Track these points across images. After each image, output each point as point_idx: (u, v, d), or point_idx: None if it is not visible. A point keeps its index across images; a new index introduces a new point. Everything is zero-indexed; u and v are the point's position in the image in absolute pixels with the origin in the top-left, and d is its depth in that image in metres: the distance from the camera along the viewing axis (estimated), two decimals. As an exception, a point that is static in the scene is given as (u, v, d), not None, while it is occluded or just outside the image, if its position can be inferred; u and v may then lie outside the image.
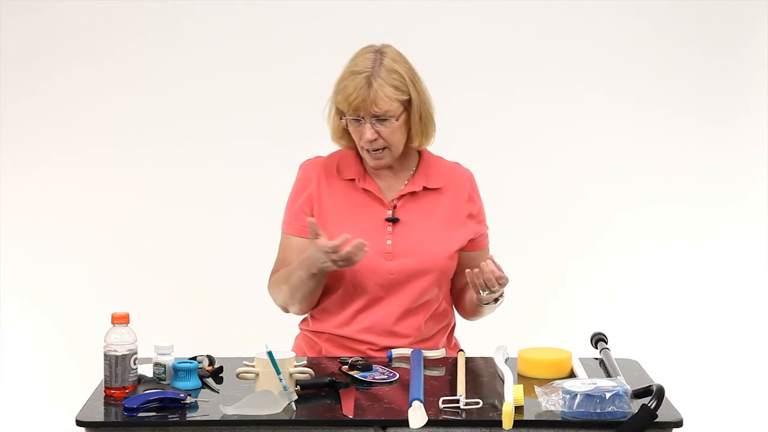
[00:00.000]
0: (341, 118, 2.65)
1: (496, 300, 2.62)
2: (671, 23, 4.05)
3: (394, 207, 2.68)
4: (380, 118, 2.58)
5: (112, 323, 2.27)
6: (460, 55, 4.04)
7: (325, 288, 2.66)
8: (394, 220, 2.66)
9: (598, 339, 2.63)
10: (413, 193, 2.69)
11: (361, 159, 2.70)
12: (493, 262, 2.52)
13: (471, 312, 2.76)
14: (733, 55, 4.06)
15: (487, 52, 4.05)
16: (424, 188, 2.70)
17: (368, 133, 2.58)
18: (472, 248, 2.73)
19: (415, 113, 2.64)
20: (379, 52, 2.62)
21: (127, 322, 2.27)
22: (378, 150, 2.62)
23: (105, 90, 4.02)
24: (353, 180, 2.69)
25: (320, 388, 2.29)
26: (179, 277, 4.01)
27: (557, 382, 2.19)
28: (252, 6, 4.01)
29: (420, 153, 2.75)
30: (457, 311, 2.81)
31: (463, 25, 4.06)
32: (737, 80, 4.06)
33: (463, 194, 2.74)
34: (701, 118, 4.08)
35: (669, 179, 4.08)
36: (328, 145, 2.77)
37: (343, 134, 2.69)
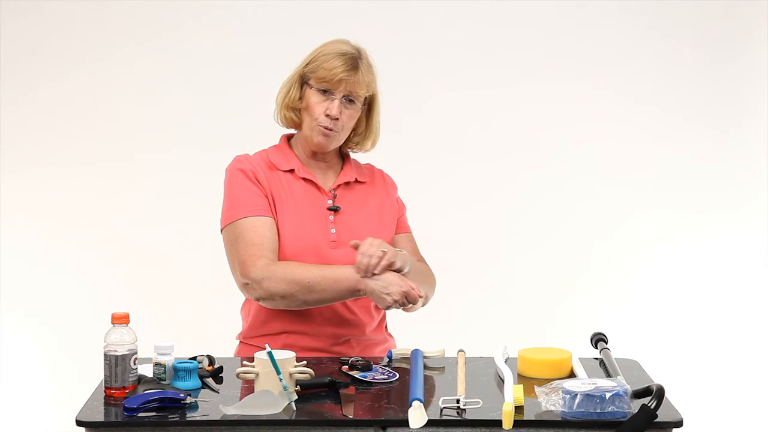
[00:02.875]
0: (300, 91, 2.67)
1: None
2: (672, 29, 4.06)
3: (334, 196, 2.71)
4: (350, 99, 2.64)
5: (112, 323, 2.26)
6: (462, 58, 4.05)
7: None
8: (335, 209, 2.70)
9: (598, 339, 2.63)
10: (348, 183, 2.75)
11: (293, 152, 2.73)
12: (377, 243, 2.55)
13: None
14: (734, 60, 4.06)
15: (488, 55, 4.06)
16: (356, 180, 2.76)
17: (335, 108, 2.63)
18: (398, 232, 2.81)
19: (374, 112, 2.74)
20: (355, 48, 2.70)
21: (127, 322, 2.27)
22: (331, 129, 2.65)
23: (104, 91, 4.02)
24: (292, 171, 2.71)
25: (320, 388, 2.29)
26: (179, 277, 4.01)
27: (557, 382, 2.19)
28: (254, 7, 4.02)
29: (342, 154, 2.81)
30: None
31: (465, 28, 4.07)
32: (738, 85, 4.07)
33: (387, 186, 2.83)
34: (702, 123, 4.08)
35: (669, 183, 4.09)
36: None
37: (293, 107, 2.70)
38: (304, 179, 2.70)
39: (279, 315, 2.64)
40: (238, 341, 2.78)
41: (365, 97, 2.69)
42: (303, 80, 2.69)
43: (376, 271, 2.53)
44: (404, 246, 2.77)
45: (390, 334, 2.84)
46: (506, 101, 4.06)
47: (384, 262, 2.53)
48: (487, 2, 4.05)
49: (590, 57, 4.07)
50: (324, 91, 2.64)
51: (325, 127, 2.65)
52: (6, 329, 4.02)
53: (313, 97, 2.66)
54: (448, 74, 4.05)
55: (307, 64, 2.68)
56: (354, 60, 2.64)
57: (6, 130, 4.00)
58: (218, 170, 4.02)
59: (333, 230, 2.68)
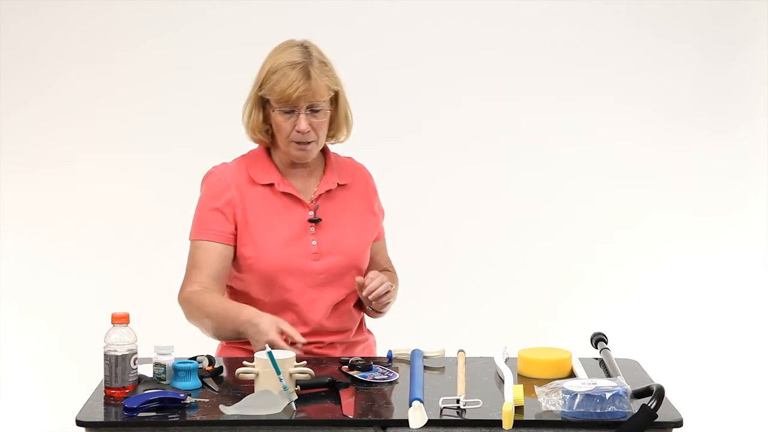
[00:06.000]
0: (263, 111, 2.64)
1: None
2: (672, 31, 4.06)
3: (316, 207, 2.69)
4: (314, 110, 2.60)
5: (112, 323, 2.27)
6: (461, 61, 4.05)
7: (252, 298, 2.65)
8: (316, 221, 2.68)
9: (598, 339, 2.63)
10: (329, 191, 2.72)
11: (273, 161, 2.70)
12: (379, 279, 2.61)
13: (368, 313, 2.82)
14: (734, 62, 4.06)
15: (490, 58, 4.06)
16: (338, 185, 2.73)
17: (303, 123, 2.59)
18: (375, 240, 2.80)
19: (341, 107, 2.68)
20: (303, 46, 2.64)
21: (127, 322, 2.27)
22: (307, 143, 2.62)
23: (104, 92, 4.02)
24: (271, 185, 2.68)
25: (320, 388, 2.29)
26: (179, 277, 3.99)
27: (557, 382, 2.19)
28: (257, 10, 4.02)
29: (324, 151, 2.77)
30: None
31: (467, 32, 4.07)
32: (739, 87, 4.07)
33: (367, 188, 2.80)
34: (703, 125, 4.08)
35: (669, 184, 4.09)
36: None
37: (262, 129, 2.67)
38: (284, 193, 2.68)
39: None
40: (218, 342, 2.77)
41: (332, 94, 2.64)
42: (262, 102, 2.64)
43: (379, 309, 2.67)
44: (380, 253, 2.83)
45: (369, 331, 2.85)
46: (507, 102, 4.06)
47: (383, 300, 2.63)
48: (487, 4, 4.04)
49: (591, 61, 4.06)
50: (287, 110, 2.60)
51: (299, 142, 2.62)
52: (6, 329, 4.02)
53: (277, 117, 2.61)
54: (448, 77, 4.05)
55: (260, 86, 2.63)
56: (305, 69, 2.57)
57: (6, 130, 4.00)
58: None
59: (314, 242, 2.67)
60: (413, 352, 2.55)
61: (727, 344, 4.04)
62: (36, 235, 4.02)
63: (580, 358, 2.48)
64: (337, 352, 2.69)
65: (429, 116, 4.07)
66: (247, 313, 2.52)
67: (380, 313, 2.75)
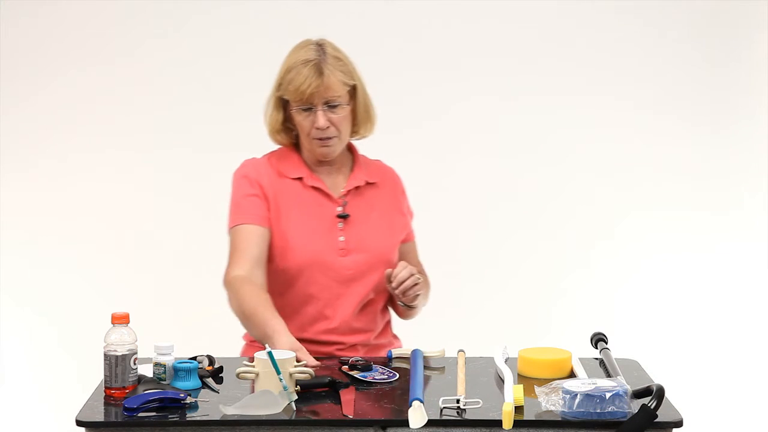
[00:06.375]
0: (283, 111, 2.66)
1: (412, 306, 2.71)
2: (671, 28, 4.06)
3: (344, 203, 2.69)
4: (331, 105, 2.61)
5: (112, 323, 2.27)
6: (464, 61, 4.05)
7: (277, 292, 2.65)
8: (344, 216, 2.68)
9: (598, 339, 2.63)
10: (357, 188, 2.73)
11: (301, 157, 2.71)
12: (407, 270, 2.60)
13: (399, 311, 2.81)
14: (733, 60, 4.06)
15: (489, 57, 4.06)
16: (366, 183, 2.74)
17: (321, 119, 2.61)
18: (404, 241, 2.80)
19: (360, 101, 2.68)
20: (318, 44, 2.66)
21: (127, 322, 2.27)
22: (329, 138, 2.63)
23: (105, 92, 4.02)
24: (300, 179, 2.69)
25: (320, 388, 2.29)
26: (179, 277, 4.01)
27: (557, 382, 2.19)
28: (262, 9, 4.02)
29: (352, 151, 2.78)
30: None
31: (468, 32, 4.07)
32: (738, 85, 4.07)
33: (396, 189, 2.81)
34: (702, 123, 4.08)
35: (669, 183, 4.08)
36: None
37: (281, 129, 2.70)
38: (313, 187, 2.69)
39: (289, 323, 2.62)
40: (244, 341, 2.78)
41: (348, 88, 2.65)
42: (283, 103, 2.67)
43: (408, 303, 2.66)
44: (409, 255, 2.81)
45: (395, 336, 2.83)
46: (506, 101, 4.06)
47: (411, 293, 2.61)
48: (486, 4, 4.04)
49: (590, 60, 4.06)
50: (305, 108, 2.62)
51: (320, 139, 2.64)
52: (6, 329, 4.02)
53: (297, 116, 2.64)
54: (448, 76, 4.05)
55: (279, 86, 2.65)
56: (317, 66, 2.59)
57: (7, 130, 4.00)
58: (219, 171, 4.02)
59: (342, 238, 2.67)
60: (413, 352, 2.55)
61: (728, 344, 4.04)
62: (36, 235, 4.02)
63: (580, 358, 2.48)
64: (359, 355, 2.66)
65: (429, 116, 4.07)
66: (272, 327, 2.43)
67: (410, 308, 2.72)
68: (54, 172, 4.03)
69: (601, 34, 4.06)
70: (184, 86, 4.02)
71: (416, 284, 2.61)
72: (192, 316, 3.94)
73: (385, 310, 2.78)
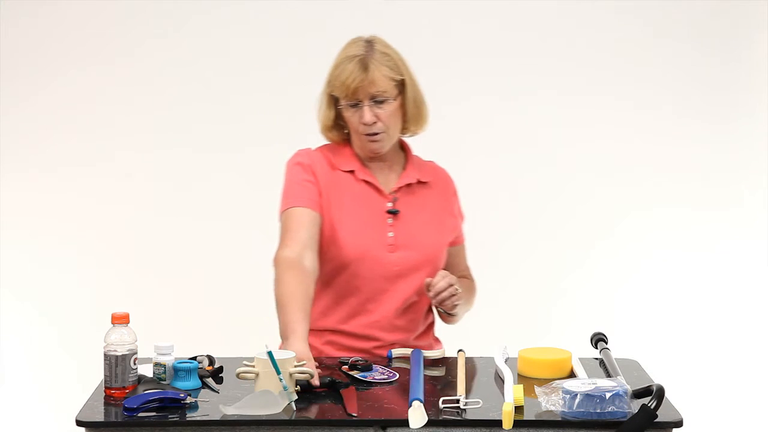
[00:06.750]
0: (334, 108, 2.66)
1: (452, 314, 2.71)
2: (671, 26, 4.05)
3: (395, 199, 2.68)
4: (378, 100, 2.60)
5: (112, 323, 2.27)
6: (464, 61, 4.05)
7: (322, 281, 2.64)
8: (394, 212, 2.68)
9: (598, 339, 2.63)
10: (409, 185, 2.72)
11: (354, 152, 2.71)
12: (446, 280, 2.60)
13: (441, 316, 2.80)
14: (733, 57, 4.06)
15: (489, 57, 4.06)
16: (418, 181, 2.73)
17: (367, 115, 2.60)
18: (453, 244, 2.80)
19: (409, 96, 2.67)
20: (368, 41, 2.66)
21: (127, 322, 2.27)
22: (376, 134, 2.63)
23: (105, 92, 4.01)
24: (352, 171, 2.69)
25: (320, 388, 2.29)
26: (179, 277, 4.01)
27: (557, 382, 2.19)
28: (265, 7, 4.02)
29: (405, 150, 2.78)
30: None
31: (467, 32, 4.07)
32: (738, 85, 4.06)
33: (448, 190, 2.81)
34: (702, 121, 4.08)
35: (669, 183, 4.08)
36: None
37: (333, 126, 2.70)
38: (364, 181, 2.69)
39: (331, 314, 2.64)
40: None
41: (395, 83, 2.63)
42: (334, 100, 2.66)
43: (447, 311, 2.67)
44: (458, 257, 2.83)
45: (437, 339, 2.81)
46: (506, 101, 4.06)
47: (449, 303, 2.62)
48: (486, 4, 4.04)
49: (590, 58, 4.06)
50: (352, 104, 2.62)
51: (369, 134, 2.63)
52: (6, 329, 4.02)
53: (346, 112, 2.64)
54: (448, 76, 4.04)
55: (328, 83, 2.66)
56: (362, 61, 2.59)
57: (7, 130, 4.00)
58: (219, 171, 4.06)
59: (391, 233, 2.66)
60: (413, 352, 2.55)
61: (728, 343, 4.04)
62: (36, 235, 4.02)
63: (580, 358, 2.48)
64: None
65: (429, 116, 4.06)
66: (292, 328, 2.39)
67: (451, 315, 2.72)
68: (54, 172, 4.03)
69: (601, 34, 4.06)
70: (184, 86, 4.01)
71: (453, 295, 2.60)
72: (192, 316, 3.94)
73: (429, 312, 2.76)
